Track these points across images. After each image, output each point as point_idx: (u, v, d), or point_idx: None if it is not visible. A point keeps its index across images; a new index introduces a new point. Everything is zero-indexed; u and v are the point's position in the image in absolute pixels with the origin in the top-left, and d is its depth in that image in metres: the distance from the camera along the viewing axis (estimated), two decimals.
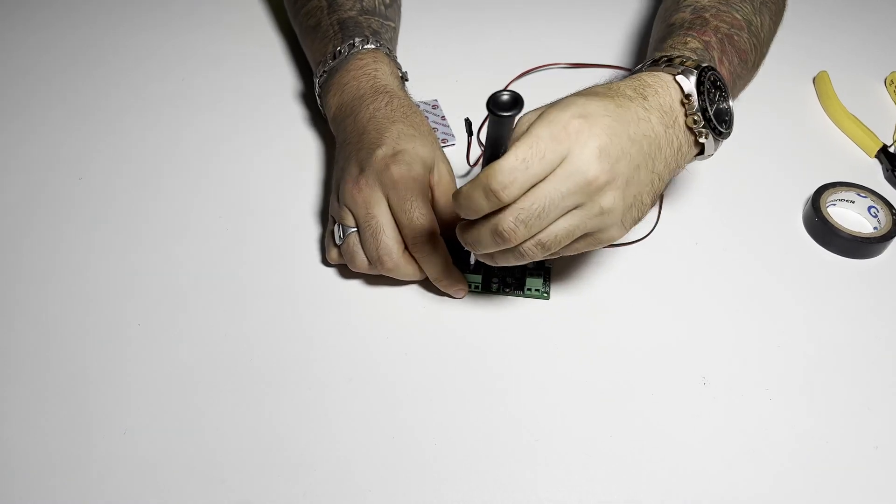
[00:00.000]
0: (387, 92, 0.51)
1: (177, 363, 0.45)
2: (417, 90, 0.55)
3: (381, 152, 0.46)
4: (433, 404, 0.43)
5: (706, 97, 0.42)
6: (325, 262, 0.50)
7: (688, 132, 0.42)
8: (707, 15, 0.51)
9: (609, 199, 0.38)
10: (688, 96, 0.42)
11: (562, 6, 0.77)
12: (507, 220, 0.37)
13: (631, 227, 0.40)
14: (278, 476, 0.40)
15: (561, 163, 0.36)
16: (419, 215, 0.45)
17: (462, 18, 0.73)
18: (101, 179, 0.56)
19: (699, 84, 0.42)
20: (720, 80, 0.44)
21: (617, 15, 0.75)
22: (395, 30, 0.62)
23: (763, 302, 0.50)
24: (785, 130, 0.63)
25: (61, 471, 0.40)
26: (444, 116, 0.62)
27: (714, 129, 0.42)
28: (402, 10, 0.66)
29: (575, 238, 0.39)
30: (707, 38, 0.48)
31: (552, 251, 0.39)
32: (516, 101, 0.35)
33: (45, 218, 0.53)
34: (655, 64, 0.44)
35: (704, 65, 0.43)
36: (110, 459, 0.40)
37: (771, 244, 0.54)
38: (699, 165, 0.59)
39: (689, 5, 0.53)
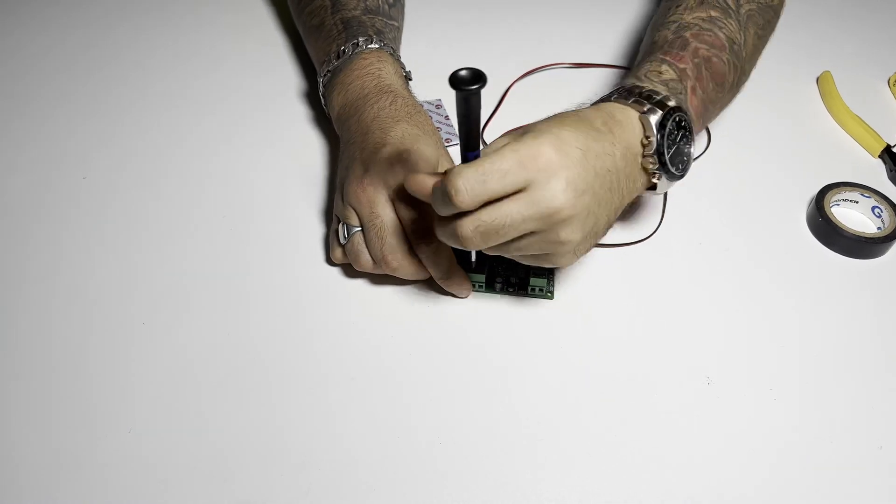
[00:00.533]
0: (391, 91, 0.51)
1: (181, 362, 0.45)
2: (421, 90, 0.55)
3: (386, 152, 0.46)
4: (437, 403, 0.43)
5: (665, 140, 0.43)
6: (330, 261, 0.50)
7: (643, 170, 0.43)
8: (688, 34, 0.51)
9: (568, 232, 0.39)
10: (647, 137, 0.42)
11: (565, 6, 0.77)
12: (467, 227, 0.38)
13: (581, 256, 0.42)
14: (282, 474, 0.40)
15: (527, 188, 0.37)
16: (423, 214, 0.45)
17: (465, 18, 0.73)
18: (106, 178, 0.56)
19: (661, 126, 0.42)
20: (685, 121, 0.44)
21: (620, 14, 0.75)
22: (399, 29, 0.62)
23: (766, 302, 0.50)
24: (788, 131, 0.63)
25: (66, 469, 0.40)
26: (447, 116, 0.62)
27: (667, 172, 0.43)
28: (406, 9, 0.66)
29: (525, 254, 0.41)
30: (683, 66, 0.49)
31: (499, 255, 0.42)
32: (478, 76, 0.35)
33: (50, 217, 0.53)
34: (627, 94, 0.44)
35: (671, 104, 0.43)
36: (115, 458, 0.40)
37: (775, 244, 0.54)
38: (702, 165, 0.59)
39: (674, 21, 0.53)
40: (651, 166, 0.43)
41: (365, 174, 0.46)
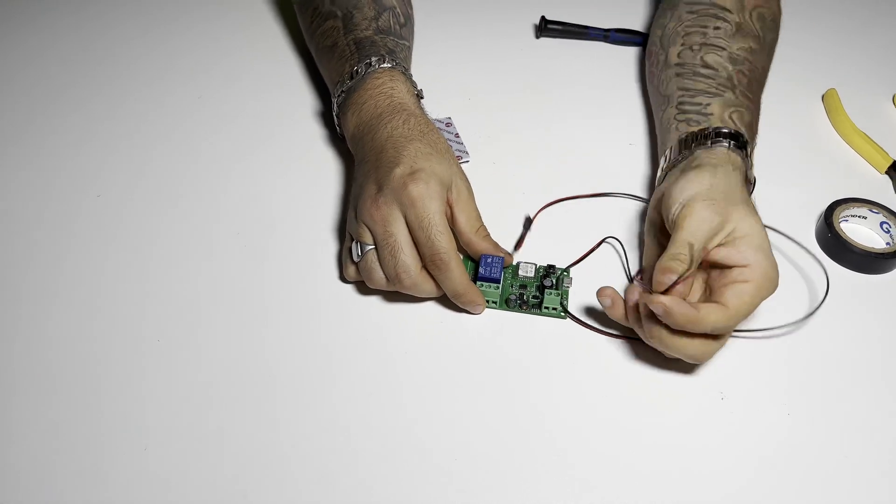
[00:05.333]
0: (404, 110, 0.52)
1: (196, 379, 0.45)
2: (431, 108, 0.56)
3: (399, 171, 0.47)
4: (452, 419, 0.44)
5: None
6: (343, 278, 0.51)
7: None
8: (746, 69, 0.56)
9: None
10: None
11: None
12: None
13: None
14: (298, 491, 0.40)
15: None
16: (437, 233, 0.45)
17: (473, 38, 0.74)
18: (120, 196, 0.56)
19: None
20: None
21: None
22: (410, 49, 0.62)
23: (778, 317, 0.50)
24: (795, 147, 0.64)
25: (83, 487, 0.40)
26: (457, 134, 0.62)
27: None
28: (416, 29, 0.67)
29: None
30: (756, 114, 0.55)
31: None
32: None
33: (64, 235, 0.53)
34: (732, 139, 0.50)
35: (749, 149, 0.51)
36: (132, 476, 0.40)
37: (784, 259, 0.54)
38: None
39: (723, 48, 0.57)
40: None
41: (378, 193, 0.47)
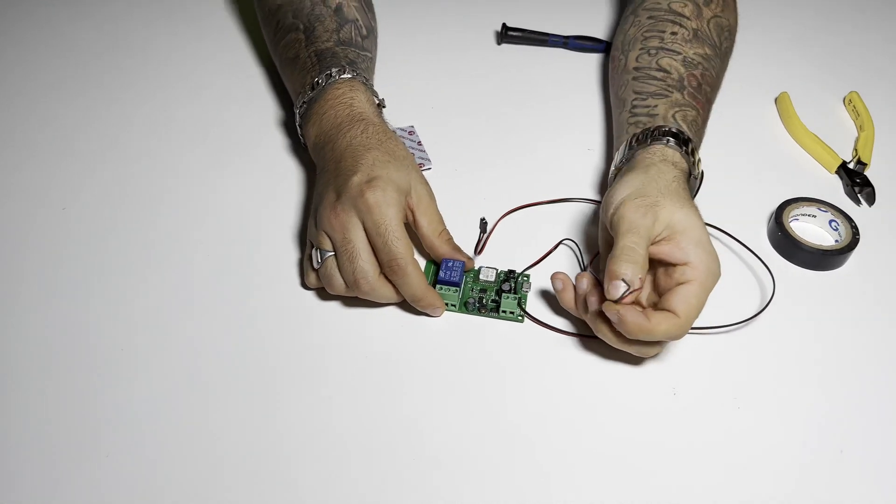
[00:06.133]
0: (363, 119, 0.53)
1: (159, 387, 0.45)
2: (394, 117, 0.57)
3: (357, 179, 0.48)
4: (412, 419, 0.44)
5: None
6: (305, 285, 0.51)
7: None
8: (698, 73, 0.57)
9: None
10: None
11: None
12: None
13: None
14: (261, 496, 0.41)
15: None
16: (394, 239, 0.46)
17: (435, 46, 0.75)
18: (84, 209, 0.57)
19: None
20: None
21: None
22: (372, 60, 0.64)
23: (730, 313, 0.51)
24: (749, 149, 0.66)
25: (42, 495, 0.40)
26: (420, 142, 0.63)
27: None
28: (379, 39, 0.68)
29: None
30: (700, 109, 0.56)
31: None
32: None
33: (29, 247, 0.53)
34: (671, 137, 0.52)
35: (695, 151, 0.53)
36: (92, 482, 0.41)
37: (737, 258, 0.56)
38: None
39: (678, 52, 0.58)
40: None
41: (337, 201, 0.48)
